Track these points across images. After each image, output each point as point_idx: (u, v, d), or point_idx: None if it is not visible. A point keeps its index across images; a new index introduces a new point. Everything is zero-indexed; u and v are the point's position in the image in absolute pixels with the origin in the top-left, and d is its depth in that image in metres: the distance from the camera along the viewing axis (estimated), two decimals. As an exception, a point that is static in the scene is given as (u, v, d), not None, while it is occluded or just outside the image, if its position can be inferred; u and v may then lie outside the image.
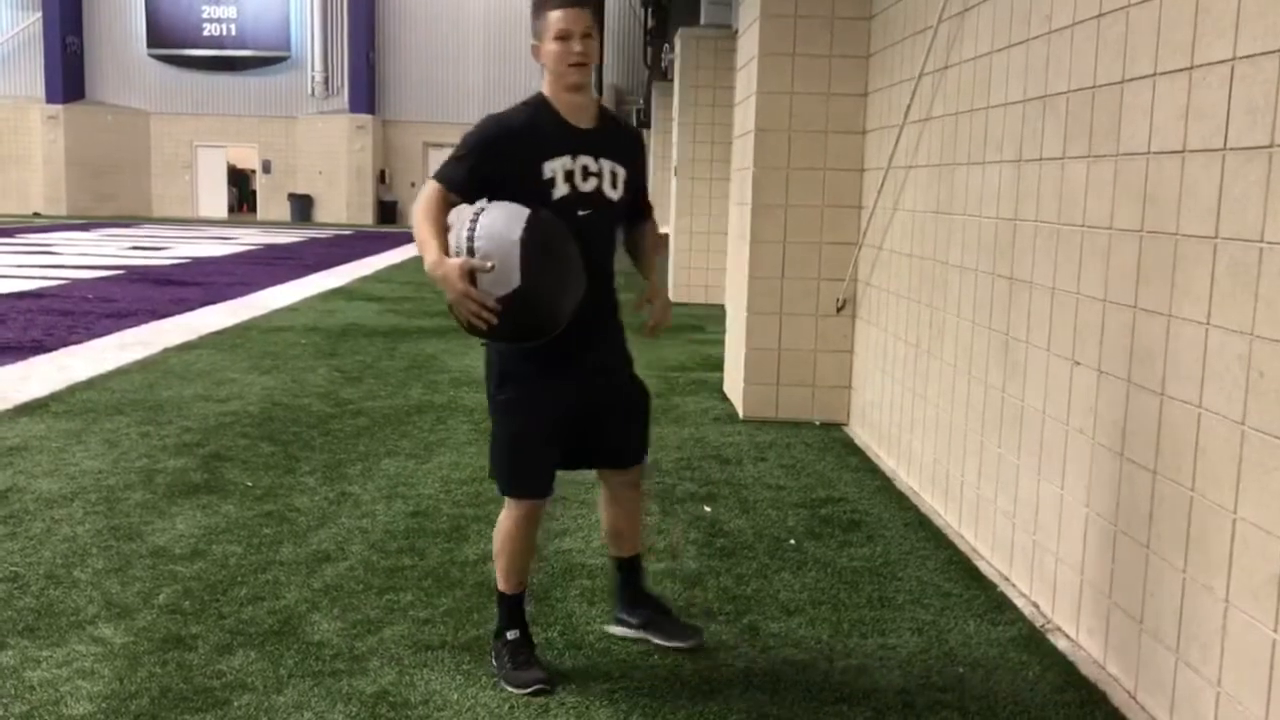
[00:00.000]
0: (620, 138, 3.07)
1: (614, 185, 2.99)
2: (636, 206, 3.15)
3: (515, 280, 2.69)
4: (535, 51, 2.94)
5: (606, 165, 2.97)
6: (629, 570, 3.31)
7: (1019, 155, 3.83)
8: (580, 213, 2.91)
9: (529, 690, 2.92)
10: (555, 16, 2.86)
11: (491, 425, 3.03)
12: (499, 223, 2.74)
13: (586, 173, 2.93)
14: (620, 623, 3.32)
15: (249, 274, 15.20)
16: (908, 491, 4.99)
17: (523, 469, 3.00)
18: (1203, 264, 2.66)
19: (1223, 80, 2.59)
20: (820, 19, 6.02)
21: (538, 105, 2.95)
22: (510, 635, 3.03)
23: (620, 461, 3.17)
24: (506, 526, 3.03)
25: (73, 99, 33.93)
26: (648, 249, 3.25)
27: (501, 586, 3.06)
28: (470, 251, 2.69)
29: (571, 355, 2.94)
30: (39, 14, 33.72)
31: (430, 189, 2.87)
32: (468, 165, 2.86)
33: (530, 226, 2.74)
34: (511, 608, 3.07)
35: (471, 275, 2.68)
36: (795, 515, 4.58)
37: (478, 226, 2.73)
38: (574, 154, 2.91)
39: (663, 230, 15.54)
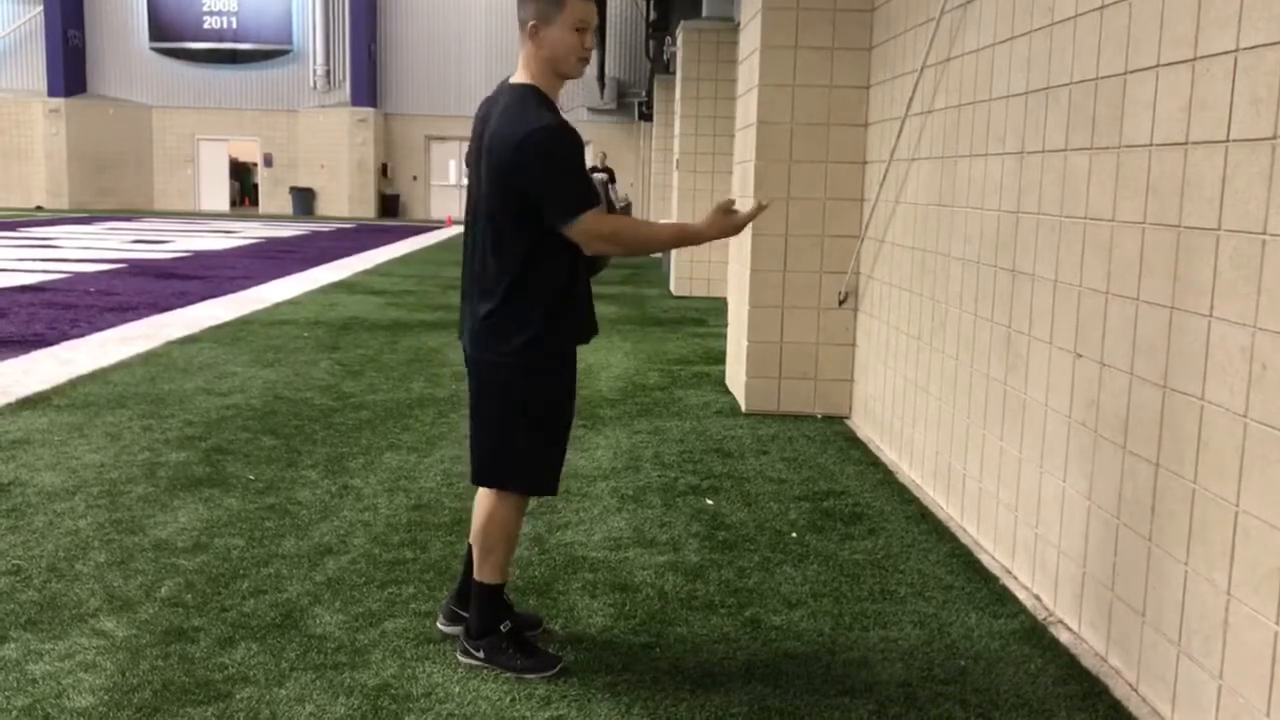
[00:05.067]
0: None
1: None
2: None
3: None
4: (533, 32, 2.82)
5: None
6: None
7: (1021, 147, 3.82)
8: None
9: (558, 669, 2.99)
10: (578, 7, 2.80)
11: (523, 429, 2.92)
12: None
13: None
14: (455, 619, 3.21)
15: (251, 267, 15.20)
16: (910, 484, 4.99)
17: (560, 458, 3.05)
18: (1205, 256, 2.65)
19: (1226, 72, 2.58)
20: (822, 11, 6.01)
21: (547, 101, 2.86)
22: (504, 627, 3.03)
23: None
24: (510, 517, 3.01)
25: (74, 93, 33.92)
26: None
27: (499, 579, 3.05)
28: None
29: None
30: (40, 7, 33.70)
31: (598, 218, 2.81)
32: (587, 179, 2.85)
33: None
34: (500, 598, 3.08)
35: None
36: (797, 508, 4.58)
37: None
38: None
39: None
